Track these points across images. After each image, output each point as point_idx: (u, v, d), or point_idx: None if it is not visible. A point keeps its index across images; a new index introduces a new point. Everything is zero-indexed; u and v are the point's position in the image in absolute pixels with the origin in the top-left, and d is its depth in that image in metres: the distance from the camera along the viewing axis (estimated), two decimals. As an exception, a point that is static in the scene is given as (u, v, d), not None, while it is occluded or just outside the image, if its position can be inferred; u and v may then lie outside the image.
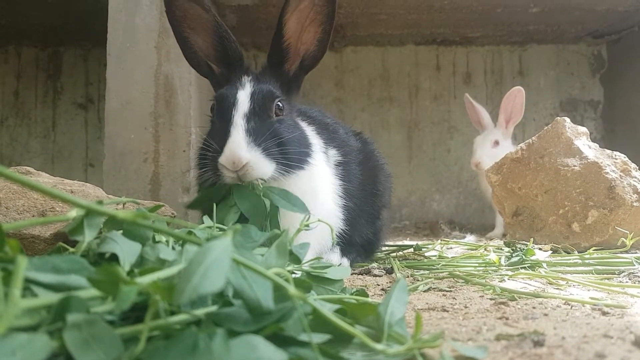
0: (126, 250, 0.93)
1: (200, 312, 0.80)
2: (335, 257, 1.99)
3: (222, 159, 1.63)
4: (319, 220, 1.62)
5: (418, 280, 1.78)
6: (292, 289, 0.82)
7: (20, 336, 0.65)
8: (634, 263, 1.92)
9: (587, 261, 2.03)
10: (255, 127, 1.69)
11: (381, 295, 1.58)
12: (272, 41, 1.88)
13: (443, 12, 4.10)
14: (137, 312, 0.83)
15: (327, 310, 0.85)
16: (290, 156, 1.73)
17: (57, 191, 0.78)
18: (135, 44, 2.65)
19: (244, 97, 1.75)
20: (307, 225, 1.55)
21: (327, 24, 1.85)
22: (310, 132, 1.98)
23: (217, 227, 1.43)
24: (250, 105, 1.73)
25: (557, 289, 1.63)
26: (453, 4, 3.91)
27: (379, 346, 0.82)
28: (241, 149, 1.62)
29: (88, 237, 1.17)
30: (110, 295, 0.78)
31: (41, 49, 4.89)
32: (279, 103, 1.80)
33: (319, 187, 1.89)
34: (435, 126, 4.96)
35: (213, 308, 0.86)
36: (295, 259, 1.24)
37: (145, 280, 0.83)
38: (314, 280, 1.23)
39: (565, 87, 4.98)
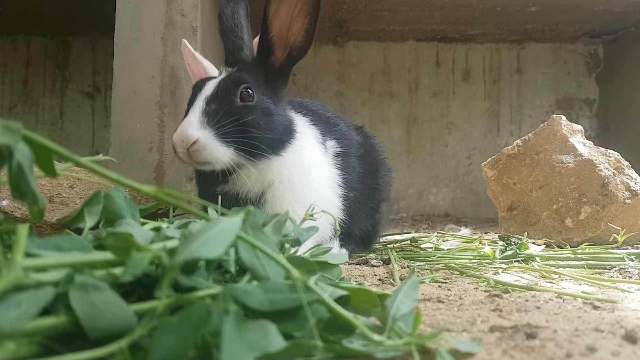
0: (140, 234, 0.95)
1: (216, 289, 0.80)
2: (334, 247, 1.99)
3: (174, 136, 1.64)
4: (322, 211, 1.62)
5: (415, 272, 1.79)
6: (295, 272, 0.82)
7: (26, 291, 0.67)
8: (625, 259, 1.92)
9: (579, 256, 2.03)
10: (215, 109, 1.68)
11: (378, 285, 1.57)
12: (260, 34, 1.84)
13: (444, 10, 4.11)
14: (141, 289, 0.83)
15: (328, 297, 0.85)
16: (254, 141, 1.70)
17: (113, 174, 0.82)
18: (142, 35, 2.65)
19: (213, 83, 1.75)
20: (312, 215, 1.56)
21: (313, 15, 1.80)
22: (303, 122, 1.97)
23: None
24: (214, 89, 1.72)
25: (550, 282, 1.63)
26: (454, 2, 3.93)
27: (376, 337, 0.83)
28: (191, 127, 1.62)
29: (89, 223, 1.18)
30: (124, 260, 0.78)
31: (50, 38, 4.88)
32: (247, 89, 1.75)
33: (311, 173, 1.88)
34: (434, 121, 4.98)
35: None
36: (295, 241, 1.21)
37: (155, 247, 0.83)
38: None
39: (561, 85, 5.00)
